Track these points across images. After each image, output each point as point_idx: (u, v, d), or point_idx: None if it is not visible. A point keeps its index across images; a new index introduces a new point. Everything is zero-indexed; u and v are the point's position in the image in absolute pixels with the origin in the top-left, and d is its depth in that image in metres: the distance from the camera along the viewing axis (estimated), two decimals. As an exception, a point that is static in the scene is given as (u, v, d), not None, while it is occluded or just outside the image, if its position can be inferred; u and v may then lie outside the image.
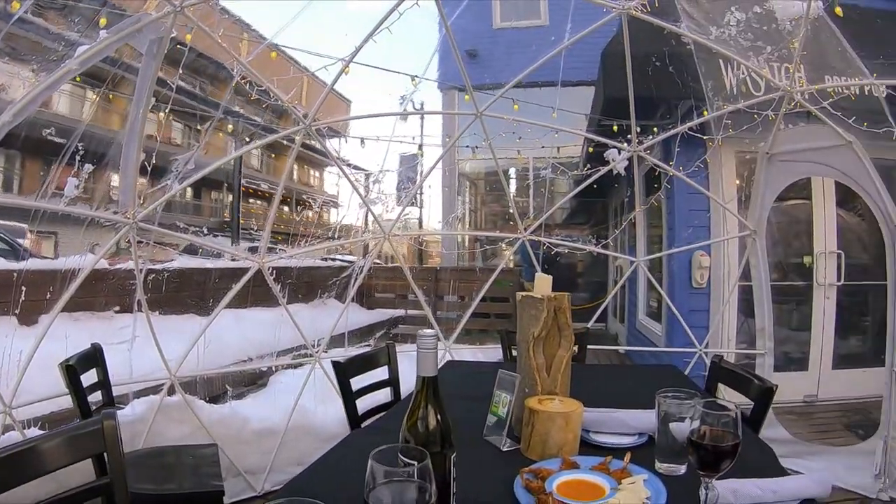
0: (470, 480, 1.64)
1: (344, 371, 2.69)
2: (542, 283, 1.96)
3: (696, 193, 5.74)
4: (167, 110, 4.27)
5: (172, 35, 3.25)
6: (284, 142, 4.78)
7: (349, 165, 4.52)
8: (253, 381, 6.08)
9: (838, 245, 6.48)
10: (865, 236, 6.77)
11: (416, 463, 1.16)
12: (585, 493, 1.56)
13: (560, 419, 1.79)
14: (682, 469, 1.78)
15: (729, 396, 2.58)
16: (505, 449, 1.92)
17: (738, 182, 6.39)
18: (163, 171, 3.82)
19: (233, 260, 6.07)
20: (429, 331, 1.38)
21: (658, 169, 5.25)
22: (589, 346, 3.91)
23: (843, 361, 6.48)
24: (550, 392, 1.92)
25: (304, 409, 4.36)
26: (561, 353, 1.93)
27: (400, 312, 9.71)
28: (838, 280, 6.36)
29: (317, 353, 4.31)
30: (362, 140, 5.60)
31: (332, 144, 4.54)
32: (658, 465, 1.79)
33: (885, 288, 4.78)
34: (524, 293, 1.99)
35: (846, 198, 6.61)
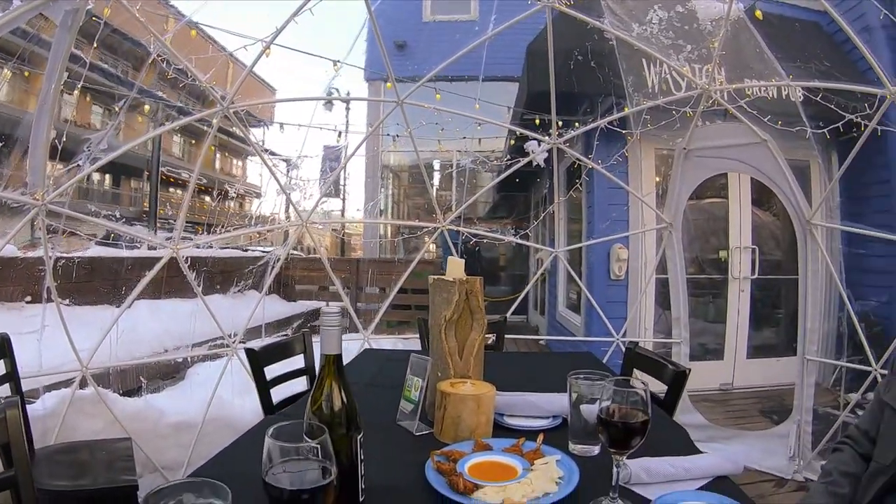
0: (381, 464, 1.60)
1: (258, 359, 2.60)
2: (455, 267, 1.93)
3: (616, 188, 5.87)
4: (80, 87, 4.05)
5: (89, 7, 3.09)
6: (205, 128, 4.60)
7: (268, 152, 4.38)
8: (169, 373, 5.88)
9: (753, 241, 6.75)
10: (779, 234, 7.07)
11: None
12: (497, 475, 1.53)
13: (472, 401, 1.76)
14: (596, 450, 1.78)
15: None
16: (417, 433, 1.87)
17: (656, 179, 6.57)
18: (76, 154, 3.63)
19: (149, 248, 5.84)
20: (333, 308, 1.34)
21: (579, 164, 5.31)
22: (508, 336, 3.93)
23: (757, 352, 6.76)
24: (463, 376, 1.89)
25: (221, 402, 4.25)
26: (473, 337, 1.90)
27: (320, 304, 9.40)
28: (753, 274, 6.61)
29: (234, 343, 4.18)
30: (281, 125, 5.48)
31: (254, 133, 4.41)
32: (571, 446, 1.78)
33: (797, 282, 4.99)
34: (436, 276, 1.96)
35: (762, 197, 6.90)
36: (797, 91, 5.24)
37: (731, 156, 4.82)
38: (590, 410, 1.73)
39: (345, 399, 1.33)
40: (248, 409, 4.04)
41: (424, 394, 1.88)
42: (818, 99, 4.42)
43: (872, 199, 6.14)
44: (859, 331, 4.24)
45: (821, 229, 4.60)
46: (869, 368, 4.05)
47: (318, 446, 1.10)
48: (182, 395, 5.12)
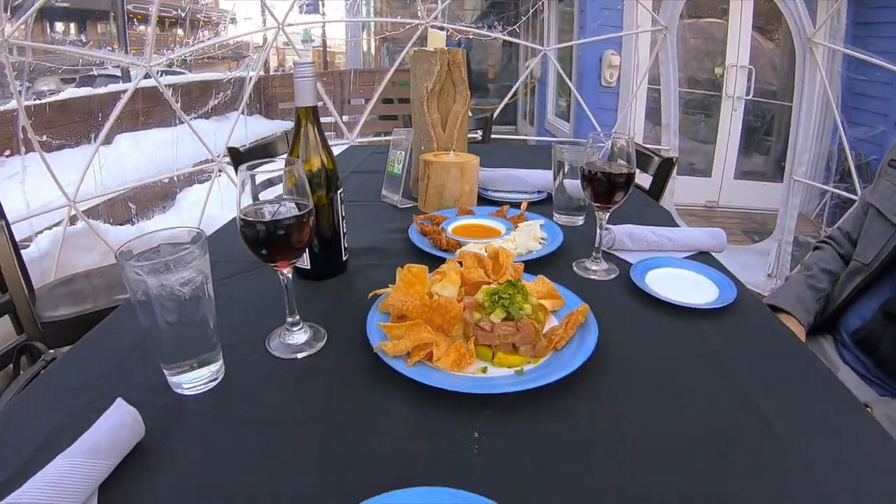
0: (365, 231, 1.60)
1: (241, 158, 2.55)
2: (436, 38, 1.83)
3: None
4: None
5: None
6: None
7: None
8: (158, 199, 5.85)
9: (750, 62, 6.52)
10: (777, 60, 6.84)
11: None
12: (481, 234, 1.54)
13: (455, 169, 1.74)
14: (580, 220, 1.78)
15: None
16: (401, 206, 1.87)
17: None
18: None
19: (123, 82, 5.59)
20: (305, 59, 1.25)
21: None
22: (495, 136, 3.85)
23: (745, 175, 6.76)
24: (446, 148, 1.85)
25: (213, 219, 4.25)
26: (456, 109, 1.84)
27: None
28: (747, 94, 6.45)
29: (218, 159, 4.11)
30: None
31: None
32: (556, 217, 1.78)
33: (791, 110, 4.87)
34: (417, 48, 1.87)
35: (764, 23, 6.60)
36: None
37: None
38: (571, 184, 1.71)
39: (323, 155, 1.27)
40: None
41: (407, 167, 1.85)
42: None
43: (879, 24, 5.88)
44: (849, 157, 4.19)
45: (822, 50, 4.42)
46: (854, 197, 4.03)
47: (292, 173, 1.04)
48: (173, 218, 5.13)
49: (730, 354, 1.07)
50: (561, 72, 5.42)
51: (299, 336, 1.09)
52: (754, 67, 6.48)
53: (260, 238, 0.99)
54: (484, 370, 0.97)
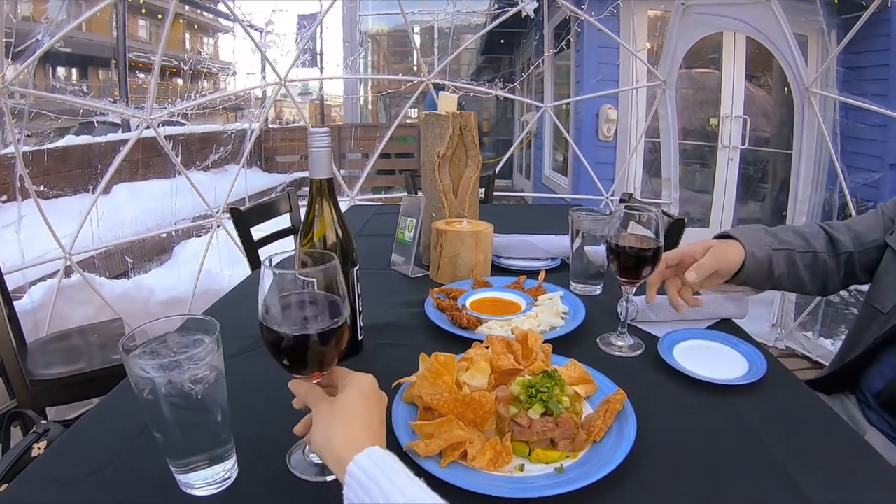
0: (377, 306, 1.53)
1: (243, 218, 2.51)
2: (447, 102, 1.80)
3: (606, 47, 5.70)
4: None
5: None
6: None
7: (241, 22, 4.06)
8: (155, 253, 5.80)
9: (744, 112, 6.60)
10: (770, 109, 6.93)
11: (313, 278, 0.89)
12: (501, 310, 1.48)
13: (469, 239, 1.69)
14: (598, 289, 1.73)
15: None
16: (413, 276, 1.81)
17: (647, 45, 6.35)
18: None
19: (123, 132, 5.58)
20: (321, 128, 1.19)
21: (566, 22, 5.07)
22: (496, 193, 3.84)
23: (742, 223, 6.73)
24: (458, 214, 1.80)
25: (210, 275, 4.21)
26: (468, 174, 1.80)
27: (303, 174, 9.05)
28: (743, 144, 6.51)
29: (218, 213, 4.06)
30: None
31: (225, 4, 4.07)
32: (573, 286, 1.73)
33: (786, 156, 4.89)
34: (427, 112, 1.83)
35: (756, 72, 6.72)
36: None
37: (731, 14, 4.61)
38: (593, 251, 1.67)
39: (339, 229, 1.20)
40: (236, 279, 3.96)
41: (419, 235, 1.79)
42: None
43: (868, 68, 5.98)
44: (850, 204, 4.18)
45: (818, 99, 4.46)
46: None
47: (322, 276, 0.89)
48: (170, 272, 5.05)
49: (767, 431, 1.03)
50: (560, 126, 5.45)
51: None
52: (748, 117, 6.56)
53: (284, 348, 0.86)
54: (521, 468, 0.91)
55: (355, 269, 1.25)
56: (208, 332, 0.85)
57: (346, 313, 0.88)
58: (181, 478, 0.87)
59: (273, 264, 0.86)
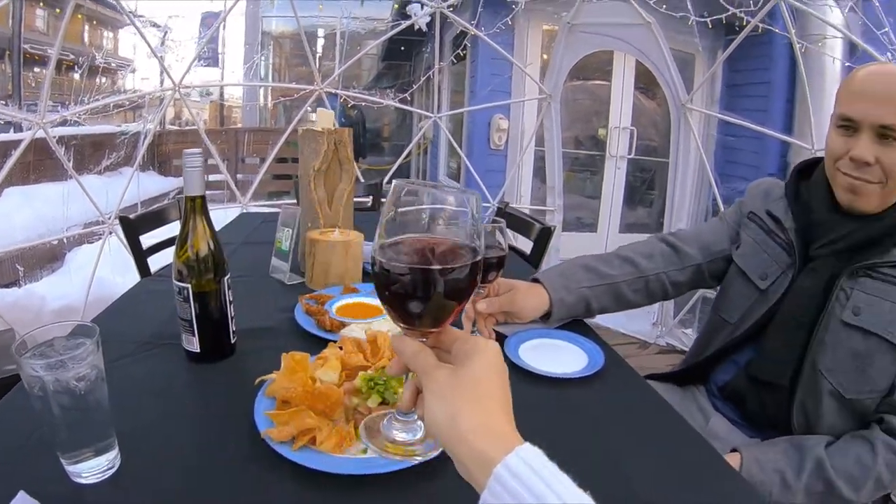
0: (253, 311, 1.65)
1: (132, 227, 2.53)
2: (325, 118, 1.93)
3: (499, 59, 5.89)
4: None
5: None
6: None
7: (140, 17, 4.03)
8: (47, 260, 5.62)
9: (632, 123, 6.99)
10: (658, 120, 7.35)
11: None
12: (364, 313, 1.62)
13: (340, 248, 1.83)
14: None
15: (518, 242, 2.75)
16: (289, 283, 1.93)
17: (543, 56, 6.61)
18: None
19: (15, 131, 5.38)
20: (194, 150, 1.32)
21: (466, 34, 5.25)
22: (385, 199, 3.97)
23: (629, 228, 7.16)
24: (332, 225, 1.93)
25: (103, 282, 4.15)
26: (342, 187, 1.94)
27: None
28: (629, 154, 6.89)
29: (110, 220, 4.02)
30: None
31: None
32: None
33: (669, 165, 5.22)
34: (304, 127, 1.96)
35: (647, 85, 7.09)
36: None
37: (614, 34, 4.91)
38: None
39: (211, 243, 1.34)
40: (129, 286, 3.96)
41: (295, 244, 1.92)
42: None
43: (748, 85, 6.45)
44: (722, 210, 4.53)
45: (696, 115, 4.81)
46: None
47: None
48: (62, 280, 4.94)
49: (602, 422, 1.19)
50: (450, 137, 5.63)
51: None
52: (636, 128, 6.95)
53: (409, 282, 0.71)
54: (364, 451, 1.04)
55: (226, 277, 1.38)
56: (89, 335, 0.96)
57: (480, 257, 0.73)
58: (70, 468, 0.96)
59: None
